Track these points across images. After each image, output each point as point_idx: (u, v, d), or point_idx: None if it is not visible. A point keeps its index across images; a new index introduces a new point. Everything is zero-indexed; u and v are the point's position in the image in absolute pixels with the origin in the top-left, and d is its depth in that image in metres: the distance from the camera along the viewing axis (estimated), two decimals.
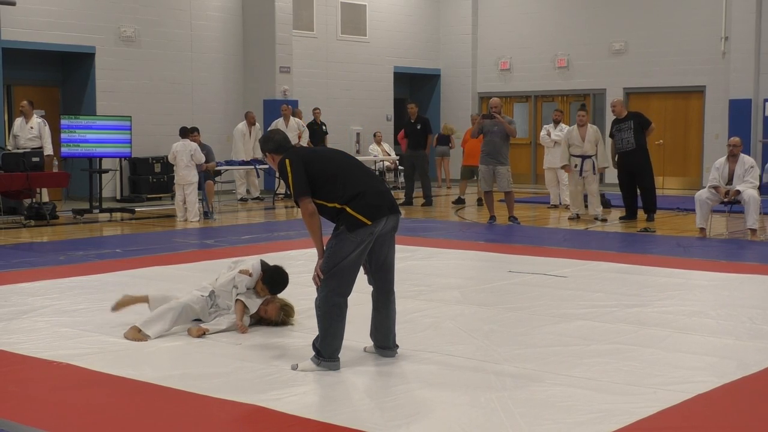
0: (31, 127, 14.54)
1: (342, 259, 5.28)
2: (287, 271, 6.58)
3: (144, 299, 6.62)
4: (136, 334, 6.10)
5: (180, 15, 18.76)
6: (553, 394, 4.89)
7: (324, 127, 19.64)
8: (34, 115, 14.74)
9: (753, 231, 11.55)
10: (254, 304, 6.44)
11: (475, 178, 16.53)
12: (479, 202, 16.77)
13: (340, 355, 5.41)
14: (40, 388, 5.09)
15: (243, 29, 19.86)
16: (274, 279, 6.50)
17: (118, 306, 6.64)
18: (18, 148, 14.27)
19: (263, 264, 6.57)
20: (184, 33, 18.83)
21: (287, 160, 5.40)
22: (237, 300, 6.41)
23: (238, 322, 6.33)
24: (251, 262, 6.61)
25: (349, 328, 5.46)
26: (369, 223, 5.29)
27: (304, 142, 17.94)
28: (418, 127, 17.00)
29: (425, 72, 23.87)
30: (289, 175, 5.36)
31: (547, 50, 22.32)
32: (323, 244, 5.41)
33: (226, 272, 6.62)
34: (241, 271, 6.49)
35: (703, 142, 20.35)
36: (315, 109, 19.75)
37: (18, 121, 14.77)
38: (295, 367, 5.36)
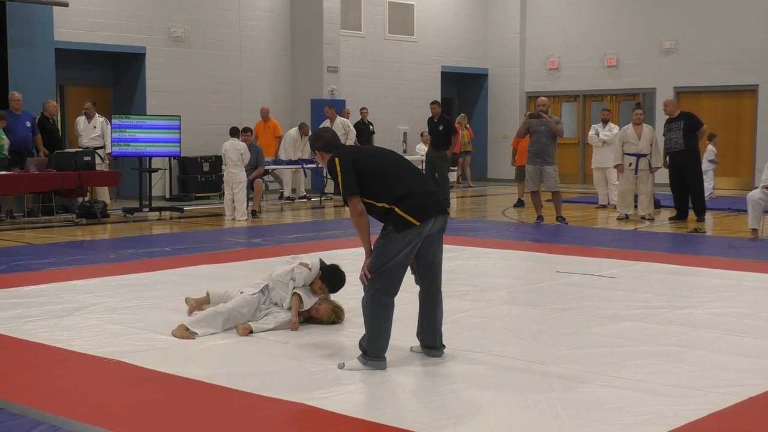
0: (95, 127, 15.24)
1: (389, 259, 5.27)
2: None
3: (206, 300, 6.76)
4: (184, 332, 6.15)
5: (229, 15, 18.91)
6: (602, 395, 4.84)
7: (371, 127, 19.67)
8: (97, 115, 15.23)
9: None
10: (309, 300, 6.48)
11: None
12: (519, 202, 16.59)
13: (386, 355, 5.40)
14: (91, 384, 5.15)
15: (291, 29, 19.96)
16: (333, 277, 6.56)
17: (190, 309, 6.77)
18: (81, 147, 14.83)
19: (322, 263, 6.62)
20: (233, 33, 18.98)
21: (337, 159, 5.41)
22: (294, 293, 6.44)
23: (293, 317, 6.37)
24: (311, 258, 6.66)
25: (396, 328, 5.46)
26: (417, 223, 5.28)
27: (350, 142, 17.97)
28: (441, 127, 16.43)
29: (473, 71, 23.80)
30: (339, 174, 5.37)
31: (596, 49, 22.15)
32: (371, 244, 5.41)
33: (284, 266, 6.67)
34: (301, 263, 6.54)
35: (756, 142, 20.05)
36: (362, 109, 19.79)
37: (81, 121, 15.25)
38: (341, 366, 5.37)
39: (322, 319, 6.51)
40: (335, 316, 6.54)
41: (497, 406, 4.67)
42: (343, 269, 6.64)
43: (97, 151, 14.96)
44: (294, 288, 6.46)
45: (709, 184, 16.62)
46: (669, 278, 8.63)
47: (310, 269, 6.52)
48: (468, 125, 22.17)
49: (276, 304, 6.51)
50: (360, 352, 5.41)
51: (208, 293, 6.83)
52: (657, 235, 12.51)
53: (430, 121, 16.72)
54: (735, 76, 20.13)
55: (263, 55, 19.56)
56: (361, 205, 5.33)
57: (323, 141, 5.62)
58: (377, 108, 20.91)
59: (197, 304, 6.78)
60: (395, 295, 5.39)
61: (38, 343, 6.01)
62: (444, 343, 5.70)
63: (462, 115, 22.19)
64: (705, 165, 16.89)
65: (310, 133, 18.06)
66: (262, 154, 15.04)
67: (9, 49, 15.01)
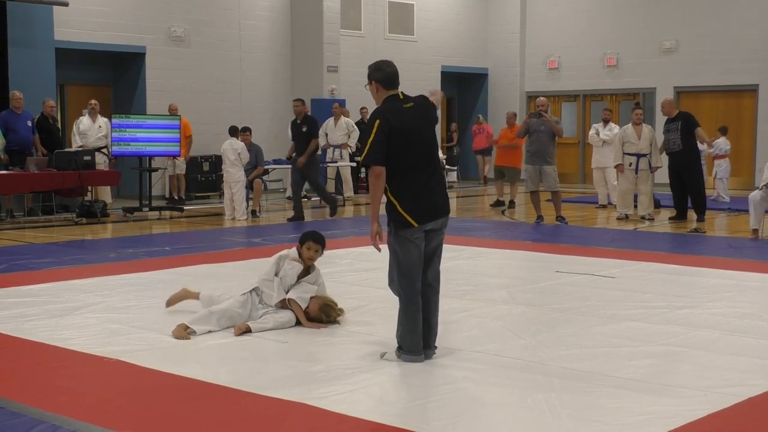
0: (99, 126, 15.16)
1: (407, 260, 5.41)
2: (324, 234, 6.75)
3: (196, 296, 6.82)
4: (182, 332, 6.13)
5: (229, 15, 18.91)
6: (601, 395, 4.84)
7: None
8: (99, 115, 15.28)
9: None
10: (304, 299, 6.45)
11: (505, 178, 16.40)
12: (497, 203, 16.53)
13: (386, 354, 5.49)
14: (90, 383, 5.15)
15: (291, 29, 19.96)
16: (309, 232, 6.65)
17: (172, 301, 6.88)
18: (85, 146, 14.86)
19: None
20: (233, 33, 18.97)
21: (378, 122, 5.39)
22: (291, 301, 6.41)
23: (303, 321, 6.37)
24: (288, 251, 6.66)
25: None
26: (416, 225, 5.37)
27: (353, 142, 17.95)
28: (304, 129, 14.04)
29: (473, 71, 23.80)
30: (372, 134, 5.36)
31: (596, 49, 22.15)
32: (379, 209, 5.42)
33: (266, 265, 6.66)
34: (280, 256, 6.55)
35: (756, 142, 20.04)
36: (362, 108, 19.77)
37: (85, 121, 15.25)
38: (382, 355, 5.55)
39: (312, 316, 6.46)
40: (324, 315, 6.48)
41: (497, 406, 4.67)
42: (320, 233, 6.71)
43: (101, 150, 14.97)
44: (288, 294, 6.42)
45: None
46: (669, 278, 8.63)
47: (293, 260, 6.51)
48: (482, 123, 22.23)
49: (269, 304, 6.47)
50: (397, 345, 5.54)
51: (199, 294, 6.85)
52: (657, 235, 12.50)
53: (293, 123, 14.39)
54: (735, 76, 20.12)
55: (263, 55, 19.56)
56: (381, 169, 5.32)
57: (383, 74, 5.61)
58: None
59: (176, 300, 6.89)
60: (420, 288, 5.48)
61: (38, 342, 6.02)
62: (439, 344, 5.69)
63: (480, 116, 22.35)
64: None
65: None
66: (261, 153, 15.01)
67: (9, 49, 15.02)
